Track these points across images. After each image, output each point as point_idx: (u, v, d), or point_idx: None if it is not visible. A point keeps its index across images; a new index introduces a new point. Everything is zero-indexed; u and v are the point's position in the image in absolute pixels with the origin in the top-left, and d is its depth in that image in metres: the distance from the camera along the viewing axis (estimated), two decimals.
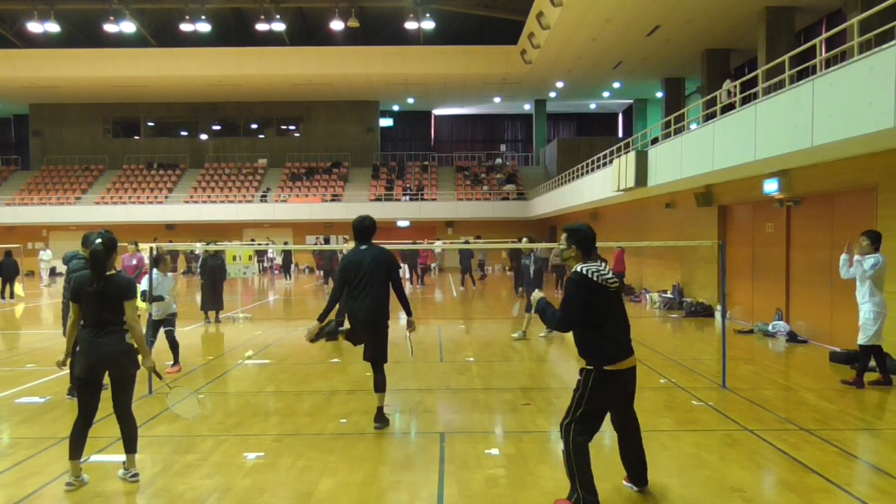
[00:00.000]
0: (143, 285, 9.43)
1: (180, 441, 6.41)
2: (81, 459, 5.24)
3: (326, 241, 35.65)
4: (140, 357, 5.38)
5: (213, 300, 15.12)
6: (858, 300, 8.45)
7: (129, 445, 5.33)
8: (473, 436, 6.57)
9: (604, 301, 4.55)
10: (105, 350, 5.18)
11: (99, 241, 5.24)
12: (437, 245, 16.91)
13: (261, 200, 37.17)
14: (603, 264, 4.71)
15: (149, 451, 6.00)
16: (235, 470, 5.62)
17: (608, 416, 4.89)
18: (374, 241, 6.83)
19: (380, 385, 6.70)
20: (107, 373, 5.29)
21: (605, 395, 4.62)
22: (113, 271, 5.26)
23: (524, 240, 13.42)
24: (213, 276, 15.03)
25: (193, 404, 5.79)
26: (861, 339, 8.40)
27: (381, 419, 6.75)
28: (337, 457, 5.94)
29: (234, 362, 10.59)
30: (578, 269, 4.61)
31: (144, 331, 9.54)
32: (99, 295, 5.18)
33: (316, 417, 7.21)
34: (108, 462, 5.69)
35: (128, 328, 5.28)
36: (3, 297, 21.20)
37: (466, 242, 31.02)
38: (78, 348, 5.30)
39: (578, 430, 4.61)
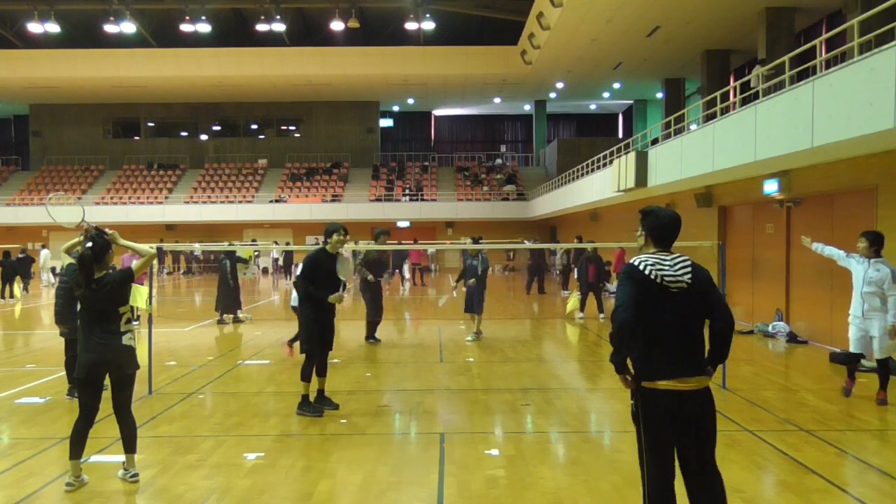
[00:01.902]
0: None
1: (180, 441, 6.41)
2: (81, 460, 5.24)
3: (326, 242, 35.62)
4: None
5: (227, 300, 15.00)
6: (867, 309, 7.52)
7: (129, 445, 5.33)
8: (473, 436, 6.56)
9: (654, 302, 3.69)
10: (104, 350, 5.16)
11: (89, 244, 5.22)
12: (429, 246, 16.84)
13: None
14: (674, 258, 3.79)
15: (149, 452, 6.00)
16: (235, 470, 5.62)
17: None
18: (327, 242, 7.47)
19: (317, 370, 7.45)
20: (107, 373, 5.28)
21: (655, 420, 3.69)
22: (104, 272, 5.26)
23: (468, 240, 13.42)
24: (225, 276, 14.94)
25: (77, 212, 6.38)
26: (883, 353, 7.58)
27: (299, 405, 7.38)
28: (337, 457, 5.94)
29: (234, 363, 10.59)
30: (634, 260, 3.83)
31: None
32: (94, 297, 5.17)
33: (315, 418, 7.20)
34: (108, 462, 5.69)
35: (127, 329, 5.26)
36: (3, 298, 21.22)
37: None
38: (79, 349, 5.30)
39: (649, 462, 3.73)
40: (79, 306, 5.31)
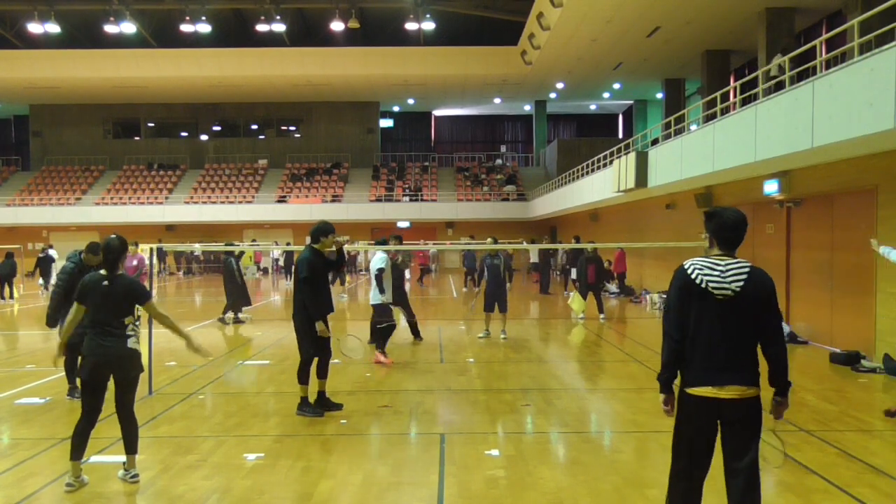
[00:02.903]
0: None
1: (180, 442, 6.41)
2: (82, 460, 5.24)
3: None
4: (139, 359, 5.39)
5: (237, 297, 15.02)
6: None
7: (130, 446, 5.33)
8: (473, 437, 6.56)
9: (697, 306, 3.65)
10: (109, 352, 5.18)
11: (113, 236, 5.33)
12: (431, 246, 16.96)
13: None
14: (729, 264, 3.70)
15: (149, 452, 6.00)
16: (235, 471, 5.62)
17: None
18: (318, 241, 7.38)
19: (317, 371, 7.40)
20: (110, 375, 5.28)
21: (692, 425, 3.71)
22: (119, 272, 5.32)
23: (489, 240, 13.63)
24: (232, 275, 14.99)
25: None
26: None
27: (301, 405, 7.33)
28: (336, 457, 5.94)
29: (234, 363, 10.59)
30: (686, 262, 3.76)
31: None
32: (107, 295, 5.20)
33: (315, 418, 7.20)
34: (109, 463, 5.68)
35: (132, 332, 5.29)
36: (3, 298, 21.21)
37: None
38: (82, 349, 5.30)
39: (675, 458, 3.81)
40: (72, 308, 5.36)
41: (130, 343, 5.25)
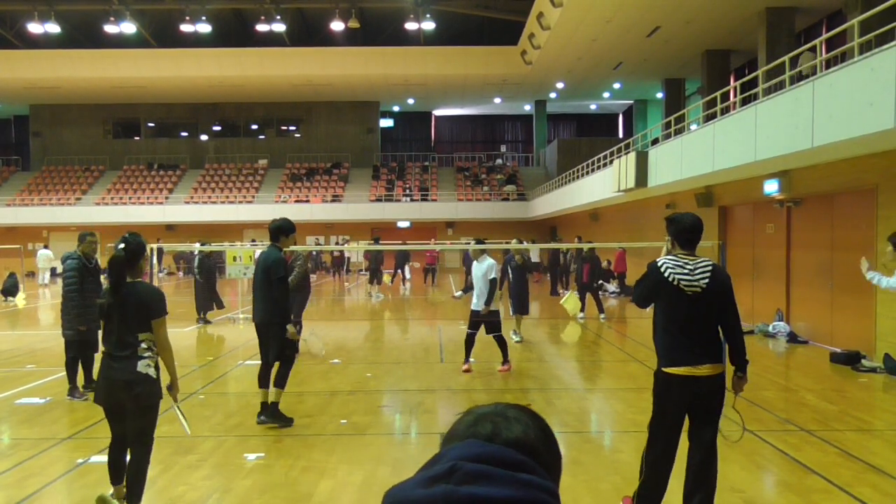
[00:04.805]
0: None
1: (180, 442, 6.40)
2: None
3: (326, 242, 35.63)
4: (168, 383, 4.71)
5: (207, 300, 15.20)
6: None
7: (131, 489, 4.59)
8: None
9: (670, 300, 4.19)
10: (119, 377, 4.47)
11: (122, 245, 4.48)
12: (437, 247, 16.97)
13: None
14: (697, 262, 4.21)
15: None
16: (235, 471, 5.62)
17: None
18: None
19: (277, 380, 6.79)
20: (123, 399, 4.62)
21: (669, 400, 4.26)
22: (136, 279, 4.58)
23: (514, 241, 13.69)
24: (208, 276, 15.22)
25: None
26: None
27: (270, 415, 6.76)
28: (337, 458, 5.94)
29: (234, 363, 10.59)
30: (659, 260, 4.29)
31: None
32: (118, 308, 4.47)
33: (316, 418, 7.21)
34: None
35: (146, 353, 4.52)
36: (6, 299, 21.21)
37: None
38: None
39: (653, 433, 4.33)
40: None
41: (141, 366, 4.47)
